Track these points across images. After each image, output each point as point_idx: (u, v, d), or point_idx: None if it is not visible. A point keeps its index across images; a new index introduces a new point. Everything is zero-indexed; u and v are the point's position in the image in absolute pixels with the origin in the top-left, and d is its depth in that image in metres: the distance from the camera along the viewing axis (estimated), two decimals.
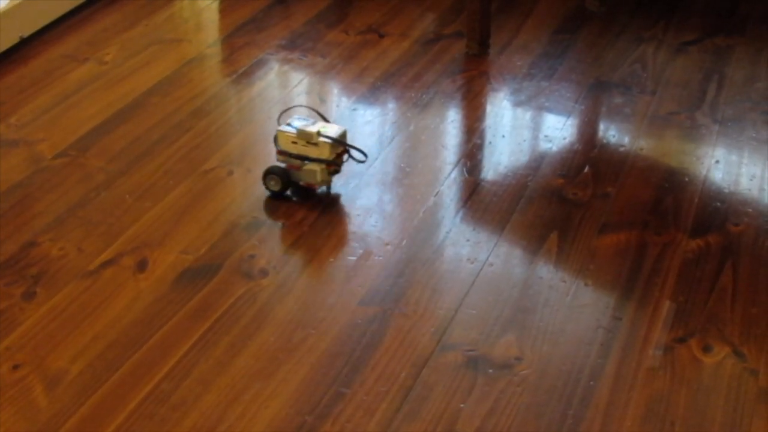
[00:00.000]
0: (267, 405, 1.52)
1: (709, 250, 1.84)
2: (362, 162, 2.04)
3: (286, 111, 2.19)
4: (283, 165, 1.99)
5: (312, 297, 1.74)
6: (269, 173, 1.99)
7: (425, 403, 1.52)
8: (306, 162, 1.97)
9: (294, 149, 1.97)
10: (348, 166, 2.10)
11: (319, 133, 1.95)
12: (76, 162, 2.12)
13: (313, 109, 2.14)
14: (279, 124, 1.99)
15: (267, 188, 2.01)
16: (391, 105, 2.34)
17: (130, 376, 1.58)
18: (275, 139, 2.00)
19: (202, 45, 2.63)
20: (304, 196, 2.00)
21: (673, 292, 1.74)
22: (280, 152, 1.99)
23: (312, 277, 1.79)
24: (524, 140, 2.20)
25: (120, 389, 1.55)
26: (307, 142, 1.95)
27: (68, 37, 2.66)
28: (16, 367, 1.59)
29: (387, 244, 1.87)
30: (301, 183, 2.00)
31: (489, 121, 2.28)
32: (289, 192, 2.01)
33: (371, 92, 2.39)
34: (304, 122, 1.98)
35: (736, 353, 1.61)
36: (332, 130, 1.97)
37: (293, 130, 1.96)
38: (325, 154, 1.95)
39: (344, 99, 2.37)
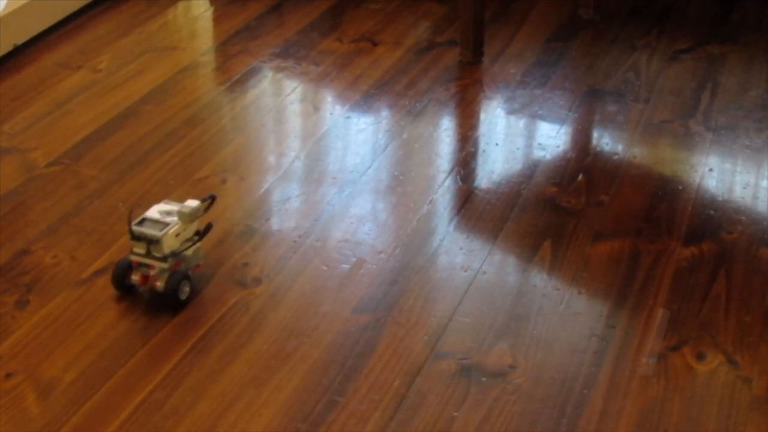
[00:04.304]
0: (260, 413, 1.52)
1: (703, 258, 1.84)
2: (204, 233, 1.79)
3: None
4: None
5: (305, 305, 1.74)
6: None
7: (418, 411, 1.52)
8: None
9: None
10: (342, 174, 2.10)
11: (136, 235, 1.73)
12: (69, 170, 2.12)
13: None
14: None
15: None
16: (385, 113, 2.34)
17: (123, 384, 1.57)
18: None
19: (195, 53, 2.63)
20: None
21: (667, 300, 1.74)
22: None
23: (305, 285, 1.79)
24: (518, 148, 2.20)
25: (113, 397, 1.55)
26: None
27: (62, 45, 2.66)
28: (8, 376, 1.59)
29: (380, 252, 1.87)
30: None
31: (482, 129, 2.28)
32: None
33: (365, 100, 2.39)
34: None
35: (730, 361, 1.61)
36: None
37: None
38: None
39: (338, 107, 2.37)
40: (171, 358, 1.62)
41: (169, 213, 1.74)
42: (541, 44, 2.64)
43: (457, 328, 1.68)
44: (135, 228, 1.72)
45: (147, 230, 1.71)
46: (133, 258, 1.74)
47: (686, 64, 2.52)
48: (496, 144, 2.21)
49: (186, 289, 1.74)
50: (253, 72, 2.53)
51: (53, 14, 2.73)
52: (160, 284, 1.72)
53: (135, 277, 1.74)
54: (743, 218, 1.95)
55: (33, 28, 2.66)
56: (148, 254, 1.72)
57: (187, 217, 1.73)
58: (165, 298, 1.72)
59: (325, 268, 1.83)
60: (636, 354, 1.62)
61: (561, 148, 2.19)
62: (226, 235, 1.91)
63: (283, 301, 1.75)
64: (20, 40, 2.62)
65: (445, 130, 2.28)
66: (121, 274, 1.74)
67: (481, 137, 2.24)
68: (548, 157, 2.16)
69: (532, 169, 2.12)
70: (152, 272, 1.73)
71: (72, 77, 2.50)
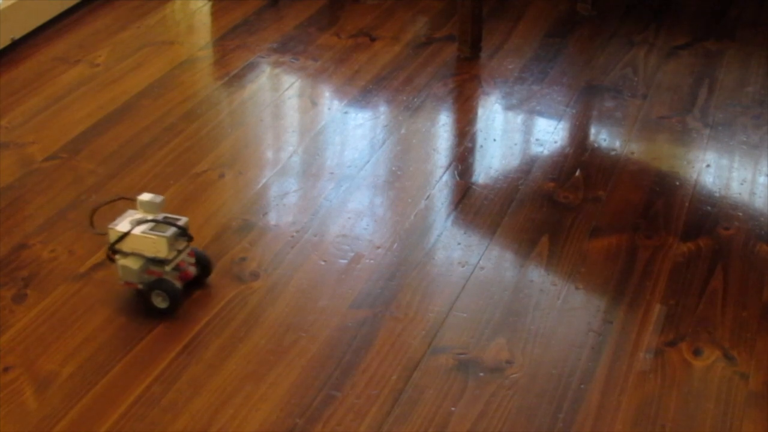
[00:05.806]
0: (258, 408, 1.52)
1: (700, 253, 1.85)
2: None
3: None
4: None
5: (303, 300, 1.74)
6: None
7: (416, 406, 1.52)
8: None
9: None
10: (340, 169, 2.10)
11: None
12: (67, 164, 2.12)
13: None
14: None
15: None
16: (383, 108, 2.34)
17: (121, 378, 1.57)
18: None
19: (193, 47, 2.63)
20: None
21: (664, 295, 1.75)
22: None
23: (303, 279, 1.79)
24: (515, 144, 2.20)
25: (110, 392, 1.55)
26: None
27: (60, 40, 2.66)
28: (6, 370, 1.59)
29: (378, 247, 1.87)
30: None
31: (480, 124, 2.28)
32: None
33: (363, 95, 2.39)
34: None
35: (727, 357, 1.61)
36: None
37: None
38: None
39: (336, 102, 2.37)
40: (169, 353, 1.62)
41: (140, 221, 1.69)
42: (539, 40, 2.64)
43: (455, 323, 1.69)
44: (183, 228, 1.68)
45: (179, 224, 1.69)
46: (178, 262, 1.70)
47: (684, 60, 2.53)
48: (494, 139, 2.21)
49: None
50: (251, 67, 2.53)
51: (51, 8, 2.73)
52: (193, 268, 1.74)
53: (180, 279, 1.71)
54: (740, 214, 1.95)
55: (31, 23, 2.66)
56: (181, 250, 1.71)
57: (163, 202, 1.71)
58: (207, 270, 1.77)
59: (323, 263, 1.84)
60: (633, 349, 1.63)
61: (558, 144, 2.19)
62: (224, 230, 1.92)
63: (280, 296, 1.75)
64: (18, 34, 2.61)
65: (443, 126, 2.28)
66: (178, 295, 1.69)
67: (479, 132, 2.24)
68: (546, 152, 2.16)
69: (529, 164, 2.12)
70: (190, 259, 1.74)
71: (70, 71, 2.50)
